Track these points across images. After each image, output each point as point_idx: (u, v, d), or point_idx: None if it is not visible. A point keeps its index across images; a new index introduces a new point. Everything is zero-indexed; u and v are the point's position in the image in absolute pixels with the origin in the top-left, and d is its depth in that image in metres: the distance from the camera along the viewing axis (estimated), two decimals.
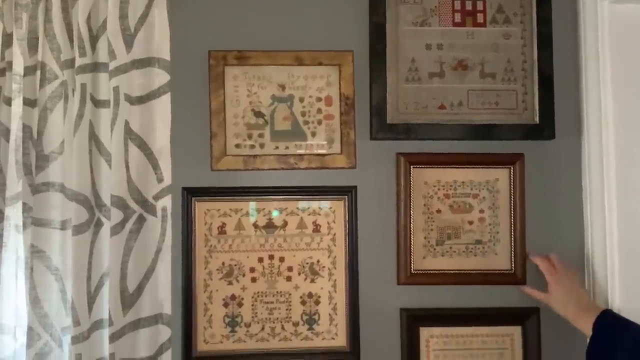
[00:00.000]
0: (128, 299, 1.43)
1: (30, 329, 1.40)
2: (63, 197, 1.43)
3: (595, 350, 1.46)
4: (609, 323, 1.49)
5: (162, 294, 1.46)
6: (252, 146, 1.64)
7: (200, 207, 1.63)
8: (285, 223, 1.65)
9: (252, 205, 1.64)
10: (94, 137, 1.46)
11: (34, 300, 1.40)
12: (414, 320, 1.64)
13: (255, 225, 1.64)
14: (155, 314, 1.45)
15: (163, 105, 1.48)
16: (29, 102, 1.46)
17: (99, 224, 1.46)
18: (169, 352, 1.46)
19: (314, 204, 1.65)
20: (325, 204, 1.65)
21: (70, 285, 1.41)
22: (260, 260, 1.64)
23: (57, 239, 1.42)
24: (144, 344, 1.43)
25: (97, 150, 1.46)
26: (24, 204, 1.44)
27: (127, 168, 1.44)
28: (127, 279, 1.43)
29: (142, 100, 1.47)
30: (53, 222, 1.43)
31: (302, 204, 1.65)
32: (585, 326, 1.50)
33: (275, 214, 1.64)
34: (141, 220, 1.45)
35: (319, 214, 1.66)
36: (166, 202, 1.48)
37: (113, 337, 1.42)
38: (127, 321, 1.43)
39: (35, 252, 1.41)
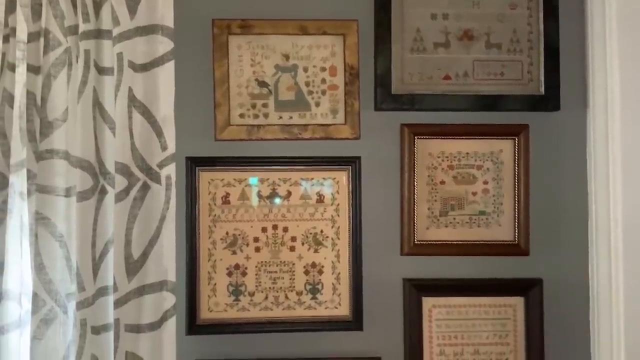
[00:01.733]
0: (132, 266, 1.44)
1: (35, 295, 1.41)
2: (67, 164, 1.43)
3: None
4: None
5: (166, 261, 1.46)
6: (256, 116, 1.63)
7: (204, 177, 1.63)
8: (289, 193, 1.65)
9: (252, 180, 1.64)
10: (97, 104, 1.46)
11: (39, 267, 1.40)
12: (417, 290, 1.64)
13: (259, 195, 1.64)
14: (160, 280, 1.45)
15: (167, 73, 1.47)
16: (33, 69, 1.45)
17: (103, 192, 1.46)
18: (174, 319, 1.47)
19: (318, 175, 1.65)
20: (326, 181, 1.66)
21: (75, 251, 1.42)
22: (264, 230, 1.64)
23: (61, 206, 1.43)
24: (148, 310, 1.44)
25: (101, 118, 1.46)
26: (28, 170, 1.44)
27: (131, 135, 1.44)
28: (131, 246, 1.44)
29: (145, 67, 1.46)
30: (57, 189, 1.43)
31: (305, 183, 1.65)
32: None
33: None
34: (145, 188, 1.45)
35: (323, 185, 1.66)
36: (170, 170, 1.47)
37: (118, 303, 1.43)
38: (131, 287, 1.44)
39: (40, 219, 1.41)
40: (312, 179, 1.66)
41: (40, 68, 1.46)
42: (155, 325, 1.44)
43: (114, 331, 1.43)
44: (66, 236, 1.42)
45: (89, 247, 1.42)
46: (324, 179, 1.66)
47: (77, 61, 1.45)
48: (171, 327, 1.47)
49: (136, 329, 1.44)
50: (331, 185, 1.66)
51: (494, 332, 1.66)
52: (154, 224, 1.45)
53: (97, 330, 1.43)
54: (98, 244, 1.43)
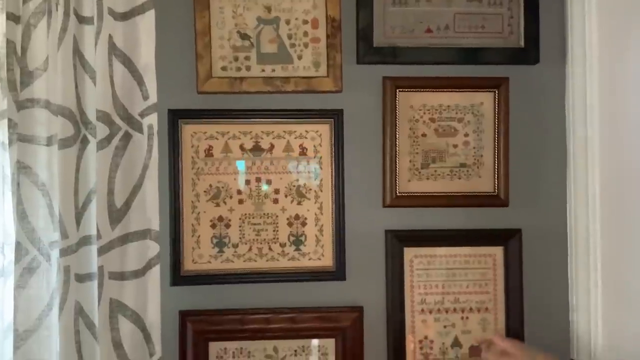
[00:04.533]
0: (116, 214, 1.44)
1: (18, 244, 1.40)
2: (48, 114, 1.42)
3: None
4: None
5: (149, 210, 1.47)
6: (239, 68, 1.64)
7: (187, 130, 1.64)
8: (272, 146, 1.66)
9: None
10: (77, 53, 1.45)
11: (21, 216, 1.40)
12: (399, 241, 1.67)
13: (242, 148, 1.65)
14: (144, 229, 1.46)
15: (147, 22, 1.47)
16: (13, 18, 1.43)
17: (85, 141, 1.46)
18: (158, 268, 1.48)
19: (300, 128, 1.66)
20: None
21: (58, 200, 1.42)
22: (247, 182, 1.66)
23: (43, 155, 1.41)
24: (132, 258, 1.45)
25: (82, 66, 1.45)
26: (9, 120, 1.43)
27: (112, 84, 1.44)
28: (114, 195, 1.44)
29: (126, 16, 1.45)
30: (39, 139, 1.42)
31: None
32: None
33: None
34: (127, 137, 1.46)
35: (306, 137, 1.67)
36: (152, 119, 1.48)
37: (101, 250, 1.43)
38: (115, 235, 1.44)
39: (22, 168, 1.40)
40: (295, 131, 1.67)
41: (20, 17, 1.45)
42: (140, 273, 1.46)
43: (98, 278, 1.44)
44: (48, 185, 1.42)
45: (71, 195, 1.42)
46: (306, 131, 1.67)
47: (57, 9, 1.44)
48: (155, 275, 1.48)
49: (120, 276, 1.45)
50: (314, 138, 1.67)
51: (474, 281, 1.69)
52: (137, 173, 1.46)
53: (82, 278, 1.44)
54: (81, 192, 1.43)
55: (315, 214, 1.67)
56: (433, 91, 1.68)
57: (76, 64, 1.45)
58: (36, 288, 1.41)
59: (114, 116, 1.44)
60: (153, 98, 1.48)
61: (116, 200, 1.45)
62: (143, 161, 1.46)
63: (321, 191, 1.67)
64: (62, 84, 1.44)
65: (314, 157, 1.67)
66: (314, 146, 1.67)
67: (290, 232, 1.66)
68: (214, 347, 1.62)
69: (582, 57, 1.66)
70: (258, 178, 1.66)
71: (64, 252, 1.40)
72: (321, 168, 1.67)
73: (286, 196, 1.66)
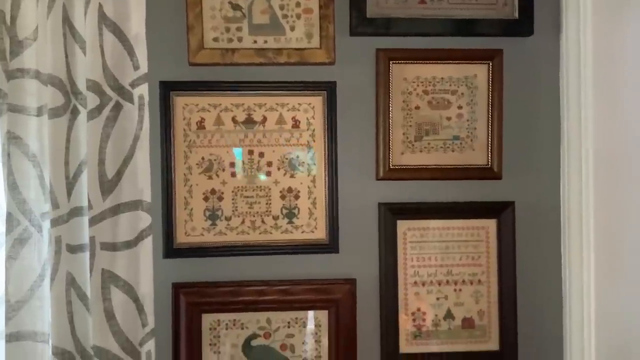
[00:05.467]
0: (107, 185, 1.44)
1: (9, 215, 1.40)
2: (38, 84, 1.41)
3: None
4: None
5: (141, 181, 1.46)
6: (230, 40, 1.62)
7: (179, 102, 1.62)
8: (265, 119, 1.66)
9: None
10: (67, 22, 1.43)
11: (12, 186, 1.39)
12: (392, 214, 1.67)
13: (234, 121, 1.64)
14: (135, 200, 1.46)
15: None
16: None
17: (75, 112, 1.45)
18: (150, 239, 1.48)
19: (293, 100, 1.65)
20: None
21: (48, 170, 1.41)
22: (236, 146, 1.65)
23: (33, 126, 1.41)
24: (124, 228, 1.45)
25: (72, 36, 1.44)
26: None
27: (102, 54, 1.43)
28: (105, 165, 1.44)
29: None
30: (29, 109, 1.41)
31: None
32: None
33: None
34: (118, 107, 1.45)
35: (298, 110, 1.66)
36: (143, 90, 1.46)
37: (93, 221, 1.43)
38: (106, 206, 1.44)
39: (12, 139, 1.40)
40: (288, 104, 1.66)
41: None
42: (132, 244, 1.45)
43: (89, 249, 1.43)
44: (39, 156, 1.41)
45: (62, 166, 1.42)
46: (299, 104, 1.66)
47: None
48: (147, 247, 1.48)
49: (112, 247, 1.45)
50: (307, 110, 1.66)
51: (467, 254, 1.69)
52: (128, 143, 1.45)
53: (73, 249, 1.44)
54: (71, 162, 1.43)
55: (308, 187, 1.66)
56: (426, 63, 1.67)
57: (66, 33, 1.44)
58: (28, 259, 1.41)
59: (104, 86, 1.43)
60: (144, 68, 1.47)
61: (107, 170, 1.44)
62: (134, 132, 1.45)
63: (314, 164, 1.67)
64: (52, 53, 1.43)
65: (307, 130, 1.66)
66: (307, 119, 1.66)
67: (283, 205, 1.66)
68: (207, 319, 1.62)
69: (577, 29, 1.65)
70: (250, 151, 1.65)
71: (55, 222, 1.40)
72: (314, 141, 1.66)
73: (279, 169, 1.66)
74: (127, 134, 1.45)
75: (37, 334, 1.41)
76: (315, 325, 1.65)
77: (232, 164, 1.64)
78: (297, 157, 1.66)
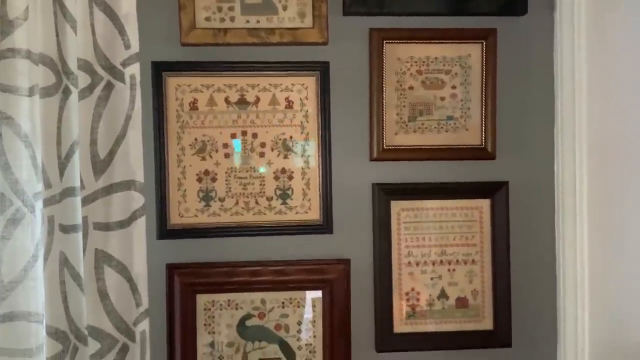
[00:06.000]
0: (99, 165, 1.43)
1: (1, 196, 1.39)
2: (29, 64, 1.40)
3: None
4: None
5: (133, 161, 1.46)
6: (222, 19, 1.61)
7: (171, 83, 1.62)
8: (258, 99, 1.65)
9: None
10: (58, 1, 1.42)
11: (5, 167, 1.39)
12: (386, 194, 1.67)
13: (227, 102, 1.64)
14: (128, 180, 1.46)
15: None
16: None
17: (67, 92, 1.44)
18: (143, 220, 1.48)
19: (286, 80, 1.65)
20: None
21: (41, 151, 1.41)
22: (233, 136, 1.64)
23: (25, 106, 1.40)
24: (117, 208, 1.45)
25: (62, 15, 1.43)
26: None
27: (93, 33, 1.42)
28: (97, 145, 1.43)
29: None
30: (20, 89, 1.40)
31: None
32: None
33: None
34: (109, 87, 1.44)
35: (292, 90, 1.66)
36: (134, 69, 1.46)
37: (85, 201, 1.43)
38: (99, 186, 1.44)
39: (4, 119, 1.39)
40: (281, 84, 1.65)
41: None
42: (125, 224, 1.45)
43: (82, 229, 1.43)
44: (31, 136, 1.40)
45: (54, 146, 1.41)
46: (292, 84, 1.66)
47: None
48: (141, 227, 1.48)
49: (105, 227, 1.45)
50: (300, 91, 1.65)
51: (461, 234, 1.69)
52: (120, 123, 1.45)
53: (66, 229, 1.43)
54: (63, 142, 1.42)
55: (302, 168, 1.66)
56: (420, 43, 1.67)
57: (56, 12, 1.43)
58: (21, 239, 1.41)
59: (95, 65, 1.42)
60: (135, 47, 1.46)
61: (99, 150, 1.44)
62: (126, 111, 1.45)
63: (308, 145, 1.66)
64: (43, 32, 1.42)
65: (300, 111, 1.66)
66: (300, 99, 1.66)
67: (277, 185, 1.66)
68: (202, 299, 1.62)
69: (571, 8, 1.64)
70: (244, 132, 1.65)
71: (47, 202, 1.40)
72: (308, 121, 1.66)
73: (272, 150, 1.66)
74: (119, 113, 1.45)
75: (31, 314, 1.40)
76: (310, 306, 1.65)
77: (226, 145, 1.64)
78: (291, 137, 1.66)
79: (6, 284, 1.39)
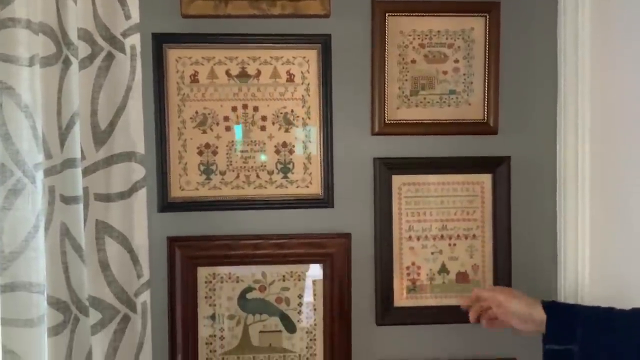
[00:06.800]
0: (100, 136, 1.43)
1: (2, 166, 1.39)
2: (29, 33, 1.39)
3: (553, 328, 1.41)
4: (555, 304, 1.47)
5: (134, 132, 1.46)
6: None
7: (171, 55, 1.61)
8: (259, 72, 1.64)
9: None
10: None
11: (5, 137, 1.38)
12: (387, 169, 1.66)
13: (228, 74, 1.63)
14: (128, 151, 1.45)
15: None
16: None
17: (67, 62, 1.43)
18: (144, 191, 1.48)
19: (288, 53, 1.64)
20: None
21: (41, 121, 1.41)
22: (234, 109, 1.64)
23: (25, 76, 1.39)
24: (117, 179, 1.45)
25: None
26: None
27: (93, 2, 1.40)
28: (97, 116, 1.43)
29: None
30: (21, 59, 1.39)
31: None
32: (539, 313, 1.41)
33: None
34: (110, 57, 1.43)
35: (293, 64, 1.65)
36: (135, 40, 1.45)
37: (86, 172, 1.43)
38: (99, 157, 1.43)
39: (5, 89, 1.38)
40: (282, 57, 1.64)
41: None
42: (125, 195, 1.45)
43: (83, 200, 1.43)
44: (31, 106, 1.40)
45: (54, 116, 1.41)
46: (293, 57, 1.64)
47: None
48: (142, 198, 1.48)
49: (106, 198, 1.45)
50: (301, 64, 1.64)
51: (462, 209, 1.69)
52: (120, 94, 1.44)
53: (67, 200, 1.43)
54: (64, 113, 1.42)
55: (303, 142, 1.66)
56: (423, 16, 1.65)
57: None
58: (22, 210, 1.41)
59: (95, 35, 1.41)
60: (135, 18, 1.45)
61: (100, 121, 1.43)
62: (126, 82, 1.44)
63: (309, 118, 1.65)
64: (43, 2, 1.40)
65: (302, 84, 1.65)
66: (302, 72, 1.65)
67: (278, 159, 1.65)
68: (203, 272, 1.63)
69: None
70: (245, 105, 1.64)
71: (48, 172, 1.40)
72: (309, 95, 1.65)
73: (273, 123, 1.65)
74: (119, 84, 1.44)
75: (32, 284, 1.41)
76: (310, 279, 1.66)
77: (226, 118, 1.63)
78: (292, 111, 1.65)
79: (7, 255, 1.40)
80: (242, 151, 1.64)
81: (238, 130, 1.64)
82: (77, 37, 1.41)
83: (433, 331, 1.70)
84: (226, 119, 1.63)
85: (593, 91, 1.63)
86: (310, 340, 1.66)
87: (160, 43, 1.59)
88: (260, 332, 1.65)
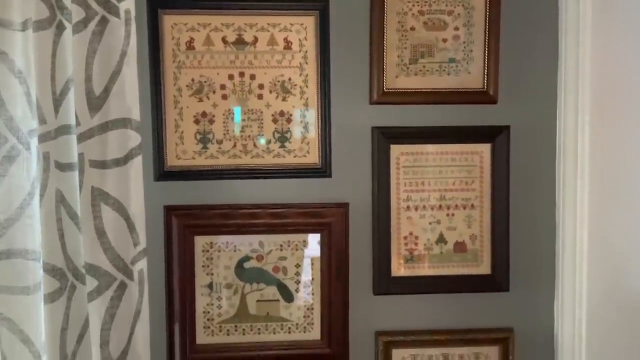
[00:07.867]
0: (94, 102, 1.41)
1: None
2: None
3: None
4: None
5: (129, 98, 1.44)
6: None
7: (167, 21, 1.58)
8: (256, 39, 1.62)
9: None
10: None
11: None
12: (385, 138, 1.65)
13: (224, 41, 1.61)
14: (123, 118, 1.43)
15: None
16: None
17: (60, 27, 1.41)
18: (140, 159, 1.46)
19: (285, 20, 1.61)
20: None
21: (35, 87, 1.38)
22: (231, 77, 1.62)
23: (18, 41, 1.37)
24: (113, 146, 1.43)
25: None
26: None
27: None
28: (92, 82, 1.41)
29: None
30: (14, 24, 1.37)
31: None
32: None
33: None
34: (104, 21, 1.41)
35: (290, 31, 1.62)
36: (129, 4, 1.42)
37: (81, 138, 1.41)
38: (94, 123, 1.42)
39: None
40: (279, 24, 1.62)
41: None
42: (121, 162, 1.44)
43: (78, 166, 1.42)
44: (25, 72, 1.38)
45: (48, 82, 1.38)
46: (291, 24, 1.62)
47: None
48: (137, 166, 1.46)
49: (101, 164, 1.43)
50: (299, 31, 1.62)
51: (460, 179, 1.68)
52: (115, 59, 1.42)
53: (62, 167, 1.42)
54: (58, 78, 1.39)
55: (301, 110, 1.64)
56: None
57: None
58: (17, 176, 1.39)
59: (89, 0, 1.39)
60: None
61: (95, 87, 1.41)
62: (121, 47, 1.42)
63: (307, 87, 1.64)
64: None
65: (299, 52, 1.62)
66: (299, 40, 1.62)
67: (275, 128, 1.64)
68: (200, 241, 1.62)
69: None
70: (241, 73, 1.62)
71: (42, 138, 1.38)
72: (307, 63, 1.63)
73: (271, 92, 1.63)
74: (113, 49, 1.42)
75: (28, 251, 1.40)
76: (308, 249, 1.65)
77: (223, 86, 1.61)
78: (290, 79, 1.63)
79: (2, 222, 1.38)
80: (241, 126, 1.63)
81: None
82: (70, 0, 1.38)
83: (430, 301, 1.70)
84: (223, 87, 1.61)
85: (593, 61, 1.61)
86: (308, 309, 1.66)
87: (155, 8, 1.56)
88: (258, 301, 1.65)
